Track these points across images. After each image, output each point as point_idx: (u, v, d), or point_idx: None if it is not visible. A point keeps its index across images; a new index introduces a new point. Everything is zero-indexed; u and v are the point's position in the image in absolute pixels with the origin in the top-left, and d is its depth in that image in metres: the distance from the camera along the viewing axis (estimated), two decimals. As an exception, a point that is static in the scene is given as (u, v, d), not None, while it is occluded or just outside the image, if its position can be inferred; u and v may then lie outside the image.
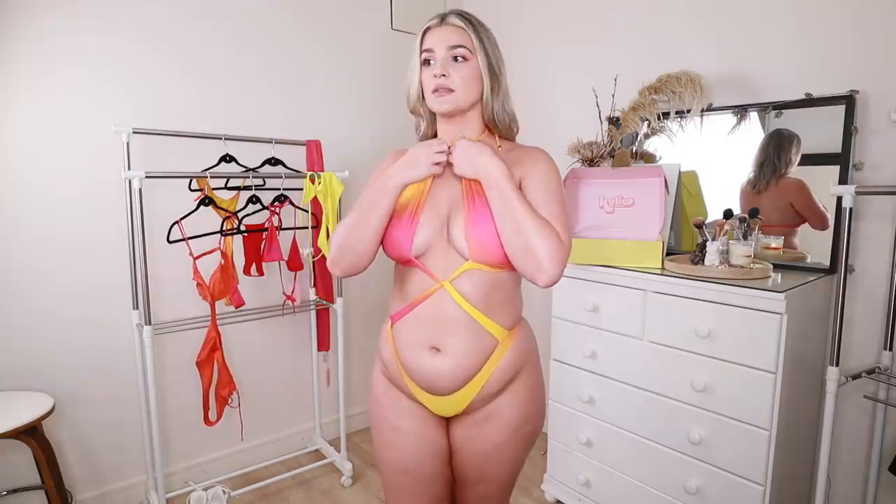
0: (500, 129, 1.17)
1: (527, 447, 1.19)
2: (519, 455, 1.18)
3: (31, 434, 1.65)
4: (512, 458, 1.17)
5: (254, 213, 2.13)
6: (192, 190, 2.05)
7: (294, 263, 2.28)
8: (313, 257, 2.33)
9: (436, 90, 1.08)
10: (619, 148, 1.98)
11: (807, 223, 1.77)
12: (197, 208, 1.98)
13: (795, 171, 1.78)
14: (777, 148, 1.81)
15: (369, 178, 1.19)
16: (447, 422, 1.18)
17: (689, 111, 1.81)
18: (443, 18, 1.10)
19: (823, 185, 1.69)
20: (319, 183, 2.09)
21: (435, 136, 1.19)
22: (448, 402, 1.12)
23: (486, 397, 1.11)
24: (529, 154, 1.13)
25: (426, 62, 1.10)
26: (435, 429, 1.16)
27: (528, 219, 1.00)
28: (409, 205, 1.09)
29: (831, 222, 1.70)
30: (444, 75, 1.07)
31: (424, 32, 1.11)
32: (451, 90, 1.08)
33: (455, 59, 1.08)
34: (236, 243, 2.11)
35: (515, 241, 1.00)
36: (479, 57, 1.09)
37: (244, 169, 2.16)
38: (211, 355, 2.01)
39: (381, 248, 1.12)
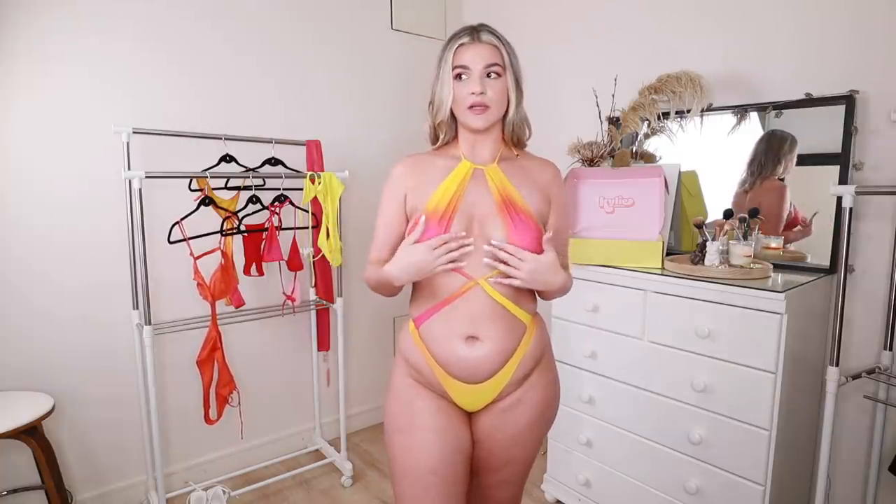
0: (515, 138, 1.22)
1: (546, 431, 1.27)
2: (541, 438, 1.26)
3: (31, 434, 1.65)
4: (537, 439, 1.24)
5: (254, 213, 2.13)
6: (192, 190, 2.05)
7: (294, 263, 2.28)
8: (313, 257, 2.33)
9: (473, 106, 1.12)
10: (619, 148, 1.98)
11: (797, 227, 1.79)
12: (197, 208, 1.98)
13: (794, 172, 1.78)
14: (767, 148, 1.82)
15: (382, 193, 1.23)
16: (469, 416, 1.21)
17: (689, 111, 1.82)
18: (475, 34, 1.13)
19: (823, 185, 1.68)
20: (319, 183, 2.09)
21: (448, 143, 1.23)
22: (482, 390, 1.16)
23: (516, 382, 1.17)
24: (551, 174, 1.23)
25: (458, 77, 1.13)
26: (461, 425, 1.19)
27: (565, 287, 1.19)
28: (441, 209, 1.13)
29: (781, 231, 1.77)
30: (483, 93, 1.11)
31: (458, 48, 1.13)
32: (488, 106, 1.12)
33: (489, 75, 1.12)
34: (236, 243, 2.11)
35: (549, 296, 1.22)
36: (507, 74, 1.14)
37: (244, 169, 2.16)
38: (211, 354, 2.01)
39: None
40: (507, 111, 1.17)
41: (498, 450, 1.20)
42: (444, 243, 1.09)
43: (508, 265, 1.11)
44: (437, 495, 1.13)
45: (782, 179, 1.80)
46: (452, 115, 1.18)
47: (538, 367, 1.20)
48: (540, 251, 1.12)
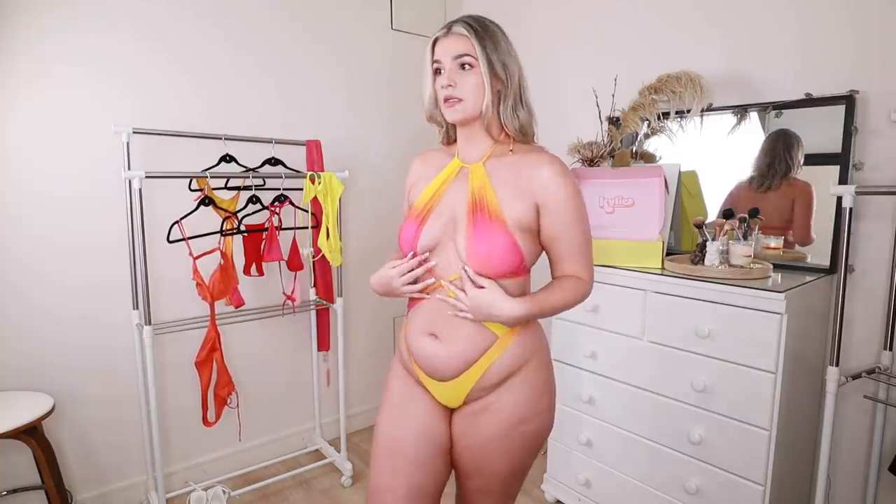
0: (514, 132, 1.15)
1: (526, 448, 1.17)
2: (516, 454, 1.16)
3: (31, 434, 1.65)
4: (507, 455, 1.15)
5: (254, 213, 2.13)
6: (192, 190, 2.05)
7: (294, 263, 2.28)
8: (313, 257, 2.33)
9: (446, 100, 1.11)
10: (619, 148, 1.98)
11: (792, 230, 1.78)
12: (197, 208, 1.98)
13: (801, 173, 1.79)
14: (787, 147, 1.79)
15: (405, 185, 1.28)
16: (451, 413, 1.21)
17: (689, 111, 1.82)
18: (449, 28, 1.11)
19: (823, 185, 1.69)
20: (319, 183, 2.09)
21: (455, 140, 1.22)
22: (449, 388, 1.15)
23: (485, 388, 1.13)
24: (547, 173, 1.09)
25: (437, 72, 1.13)
26: (440, 419, 1.19)
27: (561, 305, 1.11)
28: (419, 208, 1.17)
29: (815, 236, 1.74)
30: (450, 85, 1.09)
31: (434, 43, 1.12)
32: (461, 99, 1.10)
33: (462, 67, 1.09)
34: (236, 243, 2.11)
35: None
36: (481, 64, 1.08)
37: (244, 169, 2.16)
38: (210, 355, 2.01)
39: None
40: (498, 104, 1.12)
41: (468, 454, 1.17)
42: (411, 271, 1.14)
43: (464, 291, 1.09)
44: (397, 470, 1.14)
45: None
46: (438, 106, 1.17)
47: (516, 376, 1.13)
48: (507, 260, 1.07)
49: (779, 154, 1.81)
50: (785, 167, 1.79)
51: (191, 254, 1.91)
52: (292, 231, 2.29)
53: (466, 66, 1.09)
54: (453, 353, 1.12)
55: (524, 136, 1.16)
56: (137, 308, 2.02)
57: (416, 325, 1.17)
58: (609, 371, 1.83)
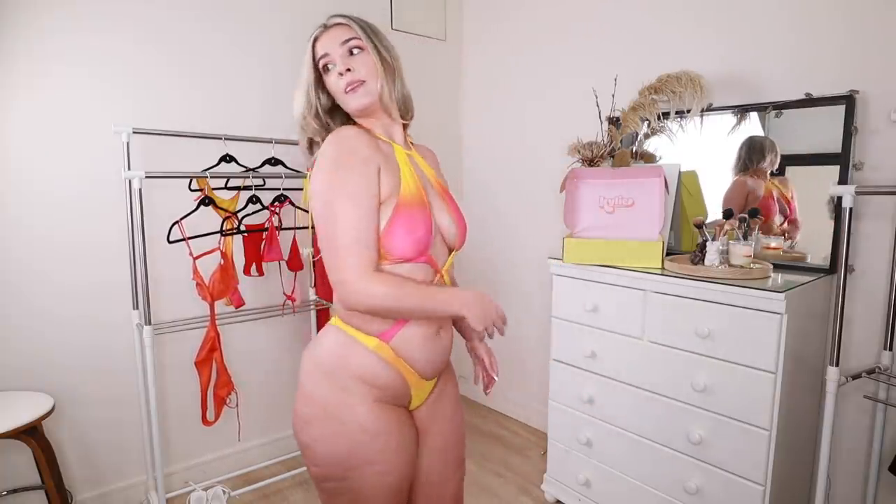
0: (402, 112, 1.13)
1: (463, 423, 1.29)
2: (461, 416, 1.28)
3: (31, 434, 1.65)
4: (461, 419, 1.27)
5: (254, 213, 2.13)
6: (192, 190, 2.05)
7: (294, 263, 2.28)
8: (313, 257, 2.33)
9: (349, 87, 1.05)
10: (619, 148, 1.98)
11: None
12: (197, 208, 1.98)
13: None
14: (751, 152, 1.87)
15: (342, 169, 0.98)
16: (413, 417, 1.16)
17: (689, 111, 1.81)
18: (325, 25, 1.09)
19: (823, 185, 1.69)
20: (319, 183, 2.08)
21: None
22: (430, 383, 1.16)
23: (445, 366, 1.22)
24: (437, 158, 1.25)
25: (325, 68, 1.08)
26: (414, 430, 1.14)
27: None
28: (419, 198, 1.04)
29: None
30: (348, 70, 1.05)
31: (314, 43, 1.08)
32: (363, 81, 1.05)
33: (351, 52, 1.06)
34: (236, 243, 2.11)
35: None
36: (369, 46, 1.06)
37: (244, 169, 2.16)
38: (210, 355, 2.01)
39: (384, 242, 1.02)
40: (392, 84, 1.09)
41: (440, 437, 1.18)
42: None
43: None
44: None
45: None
46: (320, 115, 1.12)
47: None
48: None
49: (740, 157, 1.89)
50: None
51: (191, 254, 1.91)
52: (292, 231, 2.29)
53: (356, 50, 1.06)
54: (448, 340, 1.15)
55: (410, 117, 1.16)
56: (137, 308, 2.02)
57: (425, 330, 1.07)
58: (609, 371, 1.83)
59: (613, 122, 2.04)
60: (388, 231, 1.00)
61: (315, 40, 1.08)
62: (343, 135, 1.02)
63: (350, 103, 1.07)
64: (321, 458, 1.06)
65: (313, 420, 1.05)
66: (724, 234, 1.66)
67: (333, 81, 1.07)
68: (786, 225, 1.81)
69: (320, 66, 1.08)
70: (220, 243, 2.00)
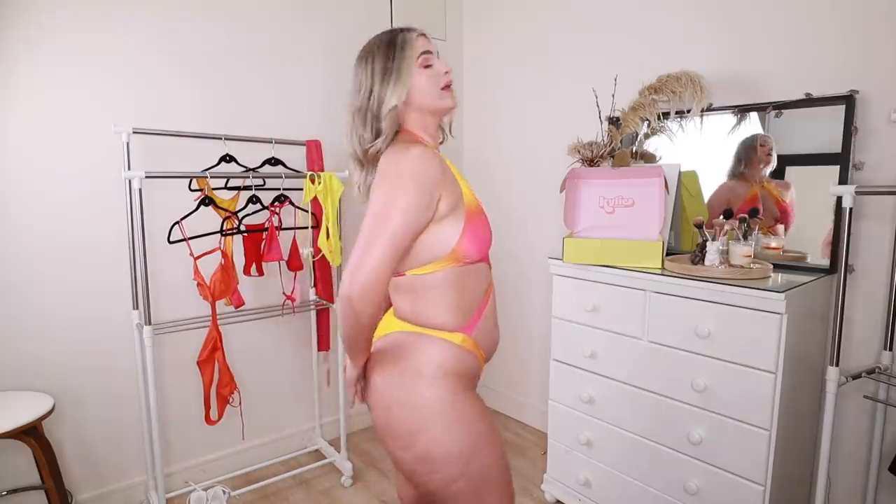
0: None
1: None
2: None
3: (31, 434, 1.65)
4: None
5: (254, 213, 2.13)
6: (192, 190, 2.05)
7: (294, 263, 2.28)
8: (313, 257, 2.33)
9: (447, 86, 1.14)
10: (619, 148, 1.98)
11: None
12: (197, 208, 1.98)
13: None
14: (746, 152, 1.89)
15: (405, 184, 1.00)
16: None
17: (689, 111, 1.82)
18: (414, 29, 1.16)
19: (823, 185, 1.69)
20: (319, 183, 2.09)
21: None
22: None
23: None
24: None
25: (422, 64, 1.12)
26: None
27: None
28: (478, 205, 1.13)
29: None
30: (447, 72, 1.14)
31: (417, 37, 1.13)
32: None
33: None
34: (236, 243, 2.11)
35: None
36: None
37: (244, 169, 2.16)
38: (212, 355, 2.01)
39: (460, 248, 1.07)
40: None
41: None
42: None
43: None
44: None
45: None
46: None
47: None
48: None
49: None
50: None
51: (191, 254, 1.91)
52: (292, 231, 2.29)
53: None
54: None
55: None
56: (137, 308, 2.02)
57: (492, 320, 1.18)
58: (609, 371, 1.83)
59: (613, 122, 2.04)
60: (464, 238, 1.06)
61: (420, 35, 1.13)
62: (427, 154, 1.03)
63: (447, 102, 1.14)
64: (441, 460, 1.07)
65: (423, 429, 1.06)
66: (724, 234, 1.66)
67: (428, 76, 1.11)
68: (778, 227, 1.81)
69: (419, 60, 1.11)
70: (220, 243, 2.00)
